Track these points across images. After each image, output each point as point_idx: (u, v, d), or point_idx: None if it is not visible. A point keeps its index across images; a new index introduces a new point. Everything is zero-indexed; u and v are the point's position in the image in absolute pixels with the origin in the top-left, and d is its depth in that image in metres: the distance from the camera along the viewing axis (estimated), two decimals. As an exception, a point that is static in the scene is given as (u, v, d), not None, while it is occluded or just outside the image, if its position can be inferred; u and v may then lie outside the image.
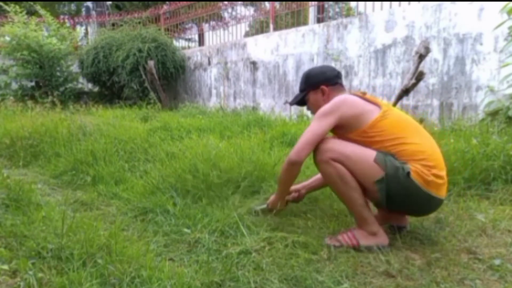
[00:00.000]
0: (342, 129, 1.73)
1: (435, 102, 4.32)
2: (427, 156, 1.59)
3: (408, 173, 1.55)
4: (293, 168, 1.77)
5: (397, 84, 4.63)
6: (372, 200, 1.75)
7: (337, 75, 1.90)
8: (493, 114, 3.33)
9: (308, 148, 1.70)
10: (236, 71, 7.26)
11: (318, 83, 1.88)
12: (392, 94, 4.62)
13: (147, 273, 1.38)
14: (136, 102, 7.49)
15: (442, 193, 1.62)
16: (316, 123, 1.72)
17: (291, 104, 2.01)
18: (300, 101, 1.97)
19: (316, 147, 1.72)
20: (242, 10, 8.85)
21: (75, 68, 9.07)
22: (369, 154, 1.62)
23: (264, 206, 2.04)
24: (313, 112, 1.89)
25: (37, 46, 7.88)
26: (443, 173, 1.61)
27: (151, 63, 7.51)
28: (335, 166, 1.66)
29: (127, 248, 1.55)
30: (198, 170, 2.46)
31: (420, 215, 1.83)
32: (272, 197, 2.01)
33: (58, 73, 8.54)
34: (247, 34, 9.39)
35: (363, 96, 1.78)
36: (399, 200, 1.62)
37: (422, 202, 1.62)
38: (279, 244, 1.69)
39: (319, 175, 2.01)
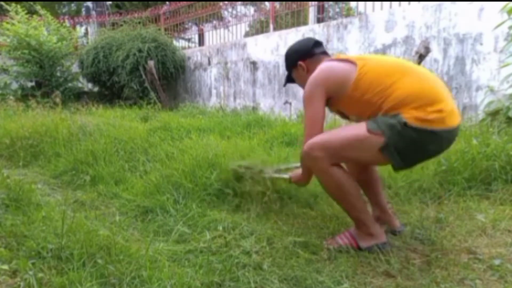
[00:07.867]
0: (333, 99, 1.67)
1: (435, 102, 4.32)
2: (416, 97, 1.49)
3: (405, 123, 1.47)
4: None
5: (397, 84, 4.63)
6: (388, 165, 1.64)
7: (313, 46, 1.85)
8: (493, 114, 3.33)
9: (317, 134, 1.63)
10: (236, 71, 7.26)
11: (296, 61, 1.86)
12: (392, 94, 4.62)
13: (147, 273, 1.38)
14: (136, 102, 7.48)
15: (451, 123, 1.51)
16: (310, 109, 1.67)
17: (284, 85, 2.08)
18: (290, 79, 1.97)
19: (305, 154, 1.64)
20: (242, 10, 8.85)
21: (75, 68, 9.06)
22: (360, 129, 1.55)
23: (286, 176, 1.99)
24: (303, 87, 1.82)
25: (37, 44, 7.88)
26: (442, 105, 1.49)
27: (151, 63, 7.50)
28: (333, 175, 1.61)
29: (127, 248, 1.55)
30: (198, 170, 2.46)
31: (442, 151, 1.66)
32: (298, 173, 1.90)
33: (58, 73, 8.54)
34: (247, 34, 9.39)
35: (338, 58, 1.72)
36: (414, 152, 1.55)
37: (436, 141, 1.52)
38: (279, 244, 1.70)
39: None
